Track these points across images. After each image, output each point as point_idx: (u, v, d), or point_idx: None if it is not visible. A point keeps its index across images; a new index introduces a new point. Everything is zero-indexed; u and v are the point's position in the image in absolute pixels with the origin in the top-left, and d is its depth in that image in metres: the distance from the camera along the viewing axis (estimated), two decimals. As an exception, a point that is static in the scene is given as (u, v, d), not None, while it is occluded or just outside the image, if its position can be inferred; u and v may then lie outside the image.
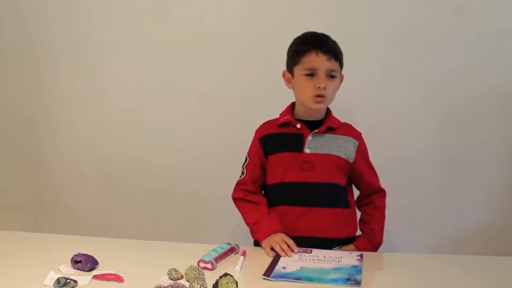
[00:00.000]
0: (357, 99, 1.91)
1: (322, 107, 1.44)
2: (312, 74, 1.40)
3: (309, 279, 1.15)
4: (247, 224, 1.47)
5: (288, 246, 1.33)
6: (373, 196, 1.53)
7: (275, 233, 1.38)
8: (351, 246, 1.45)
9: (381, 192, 1.54)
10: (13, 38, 2.16)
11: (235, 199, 1.53)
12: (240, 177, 1.53)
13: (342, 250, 1.42)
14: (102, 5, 2.06)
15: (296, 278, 1.17)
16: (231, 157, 2.01)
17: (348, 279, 1.13)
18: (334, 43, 1.44)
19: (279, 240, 1.35)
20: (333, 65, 1.40)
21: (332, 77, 1.41)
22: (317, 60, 1.39)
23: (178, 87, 2.07)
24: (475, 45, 1.87)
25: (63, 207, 2.23)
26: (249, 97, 1.99)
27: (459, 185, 1.97)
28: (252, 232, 1.45)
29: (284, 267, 1.23)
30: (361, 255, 1.29)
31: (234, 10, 1.99)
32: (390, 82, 1.93)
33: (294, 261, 1.27)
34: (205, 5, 2.00)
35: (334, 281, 1.14)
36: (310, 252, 1.32)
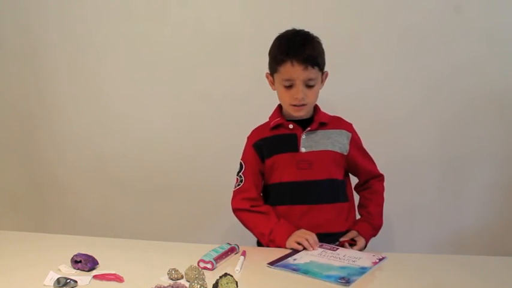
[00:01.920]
0: (358, 100, 1.91)
1: (302, 114, 1.45)
2: (289, 85, 1.40)
3: (305, 273, 1.16)
4: (260, 234, 1.45)
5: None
6: (371, 181, 1.55)
7: (293, 231, 1.38)
8: (353, 232, 1.46)
9: (379, 177, 1.55)
10: (12, 38, 2.16)
11: (239, 210, 1.49)
12: (238, 185, 1.50)
13: (344, 238, 1.43)
14: (101, 5, 2.07)
15: (294, 269, 1.18)
16: (231, 157, 2.01)
17: (340, 278, 1.13)
18: (312, 47, 1.40)
19: (304, 235, 1.35)
20: (310, 73, 1.38)
21: (311, 85, 1.40)
22: (293, 70, 1.37)
23: (178, 87, 2.07)
24: (476, 46, 1.87)
25: (63, 206, 2.23)
26: (249, 97, 1.99)
27: (460, 185, 1.97)
28: (270, 242, 1.41)
29: (295, 259, 1.24)
30: (380, 258, 1.26)
31: (233, 11, 1.99)
32: (391, 83, 1.93)
33: (310, 255, 1.28)
34: (205, 5, 2.00)
35: (328, 277, 1.14)
36: (336, 250, 1.32)
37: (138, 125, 2.13)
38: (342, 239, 1.43)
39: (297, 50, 1.37)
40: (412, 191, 1.96)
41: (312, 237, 1.34)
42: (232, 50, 1.99)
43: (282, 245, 1.38)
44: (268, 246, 1.42)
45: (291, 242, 1.35)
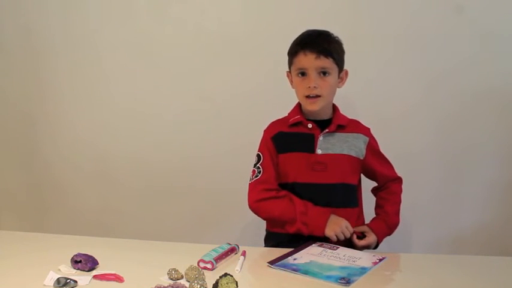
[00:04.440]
0: (357, 98, 1.91)
1: (316, 107, 1.43)
2: (303, 74, 1.42)
3: (305, 273, 1.16)
4: (291, 219, 1.41)
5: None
6: (389, 183, 1.55)
7: (328, 217, 1.39)
8: (364, 227, 1.46)
9: (397, 180, 1.56)
10: (13, 38, 2.16)
11: (260, 200, 1.44)
12: (256, 177, 1.46)
13: (358, 228, 1.44)
14: (102, 4, 2.07)
15: (294, 269, 1.18)
16: (231, 157, 2.02)
17: (340, 278, 1.13)
18: (328, 40, 1.42)
19: (341, 228, 1.37)
20: (323, 62, 1.39)
21: (324, 74, 1.41)
22: (305, 59, 1.40)
23: (178, 86, 2.07)
24: (475, 45, 1.87)
25: (63, 207, 2.23)
26: (249, 97, 1.99)
27: (459, 184, 1.97)
28: (303, 225, 1.39)
29: (295, 259, 1.24)
30: (380, 259, 1.27)
31: (234, 10, 1.99)
32: (390, 82, 1.93)
33: (311, 254, 1.28)
34: (205, 4, 2.00)
35: (328, 277, 1.14)
36: (335, 250, 1.32)
37: (139, 126, 2.13)
38: (355, 228, 1.42)
39: (310, 41, 1.41)
40: (411, 191, 1.95)
41: (349, 230, 1.37)
42: (234, 51, 1.99)
43: (319, 231, 1.37)
44: (300, 230, 1.39)
45: (330, 232, 1.36)
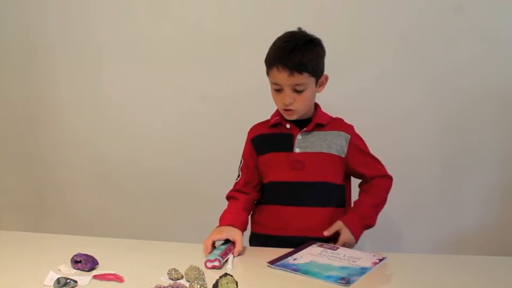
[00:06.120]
0: (357, 99, 1.91)
1: (293, 118, 1.44)
2: (279, 89, 1.40)
3: (305, 273, 1.16)
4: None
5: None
6: (374, 178, 1.49)
7: (225, 225, 1.38)
8: (338, 223, 1.40)
9: (385, 176, 1.50)
10: (13, 38, 2.16)
11: (228, 197, 1.54)
12: (236, 179, 1.54)
13: (327, 231, 1.39)
14: (101, 4, 2.07)
15: (294, 269, 1.18)
16: (230, 157, 2.01)
17: (340, 278, 1.13)
18: (301, 53, 1.35)
19: (211, 235, 1.32)
20: (297, 79, 1.36)
21: (299, 90, 1.38)
22: (279, 76, 1.37)
23: (178, 87, 2.07)
24: (476, 46, 1.87)
25: (63, 207, 2.23)
26: (248, 98, 1.99)
27: (459, 185, 1.97)
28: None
29: (295, 259, 1.25)
30: (380, 259, 1.26)
31: (233, 9, 2.00)
32: (390, 83, 1.93)
33: (311, 254, 1.28)
34: (205, 4, 2.00)
35: (328, 277, 1.14)
36: (336, 250, 1.32)
37: (138, 126, 2.13)
38: (325, 232, 1.38)
39: (283, 56, 1.37)
40: (411, 191, 1.97)
41: (204, 243, 1.30)
42: (233, 51, 2.00)
43: None
44: None
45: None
